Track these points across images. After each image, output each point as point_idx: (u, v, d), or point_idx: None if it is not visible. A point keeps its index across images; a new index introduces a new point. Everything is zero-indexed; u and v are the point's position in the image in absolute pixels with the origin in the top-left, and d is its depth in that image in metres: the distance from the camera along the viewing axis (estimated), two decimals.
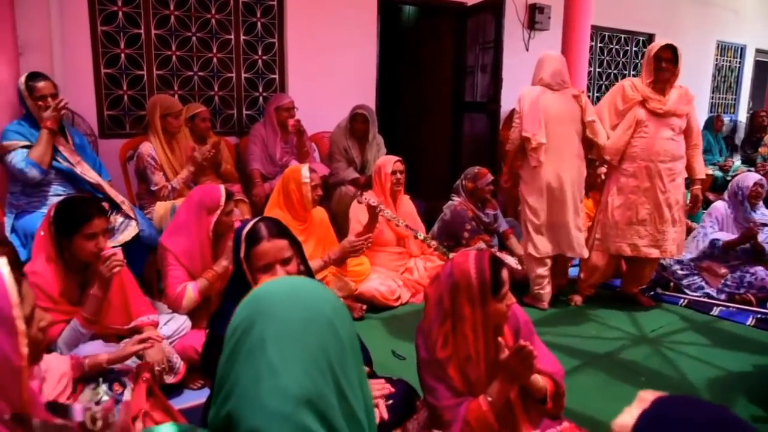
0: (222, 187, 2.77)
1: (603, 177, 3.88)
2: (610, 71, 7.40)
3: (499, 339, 1.66)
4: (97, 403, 1.05)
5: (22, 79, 3.11)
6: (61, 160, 3.14)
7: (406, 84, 6.99)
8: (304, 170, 3.35)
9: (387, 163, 3.81)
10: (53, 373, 1.76)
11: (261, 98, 4.96)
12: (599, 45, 7.16)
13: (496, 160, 5.45)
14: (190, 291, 2.67)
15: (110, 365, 2.07)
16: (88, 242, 2.20)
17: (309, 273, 1.87)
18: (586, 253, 3.66)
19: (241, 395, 0.79)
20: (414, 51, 6.75)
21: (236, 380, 0.80)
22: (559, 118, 3.51)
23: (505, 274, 1.71)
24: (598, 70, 7.25)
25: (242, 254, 1.74)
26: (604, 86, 7.32)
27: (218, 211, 2.68)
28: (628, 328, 3.41)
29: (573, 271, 4.00)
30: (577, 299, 3.80)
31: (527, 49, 6.17)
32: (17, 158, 3.00)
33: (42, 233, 2.26)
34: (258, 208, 3.94)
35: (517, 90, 5.34)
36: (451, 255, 3.70)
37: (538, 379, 1.73)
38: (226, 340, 0.85)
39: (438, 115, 6.41)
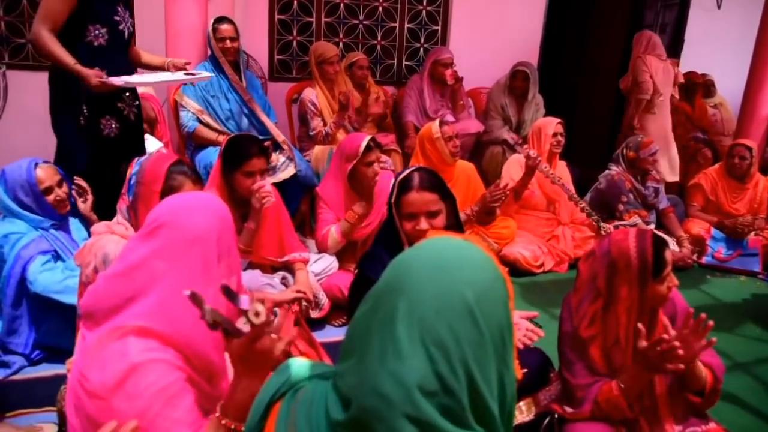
0: (366, 137, 2.80)
1: None
2: None
3: (639, 325, 1.54)
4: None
5: (211, 21, 3.39)
6: (236, 99, 3.41)
7: (572, 42, 6.56)
8: (434, 126, 3.32)
9: (548, 124, 3.67)
10: None
11: (422, 49, 4.96)
12: None
13: None
14: (333, 233, 2.82)
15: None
16: (246, 179, 2.36)
17: (460, 229, 1.87)
18: None
19: (364, 369, 0.76)
20: (585, 6, 6.29)
21: (364, 348, 0.77)
22: None
23: (668, 254, 1.60)
24: None
25: (393, 199, 1.80)
26: None
27: (355, 160, 2.75)
28: None
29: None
30: None
31: (719, 6, 5.49)
32: (185, 119, 3.41)
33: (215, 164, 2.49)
34: (410, 160, 4.00)
35: (700, 53, 4.80)
36: (603, 226, 3.51)
37: (701, 369, 1.60)
38: (367, 297, 0.82)
39: (604, 77, 5.96)
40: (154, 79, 2.71)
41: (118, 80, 2.41)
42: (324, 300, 2.63)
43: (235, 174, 2.37)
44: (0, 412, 1.94)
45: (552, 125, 3.65)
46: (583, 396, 1.64)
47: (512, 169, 3.61)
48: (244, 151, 2.37)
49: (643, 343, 1.51)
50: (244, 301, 1.05)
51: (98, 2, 2.41)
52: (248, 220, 2.40)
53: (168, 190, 1.79)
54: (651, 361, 1.51)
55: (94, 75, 2.36)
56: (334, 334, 2.65)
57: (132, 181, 1.84)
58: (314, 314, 2.58)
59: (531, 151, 3.34)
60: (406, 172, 1.83)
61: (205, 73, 2.81)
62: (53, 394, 1.91)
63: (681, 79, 4.76)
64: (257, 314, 1.03)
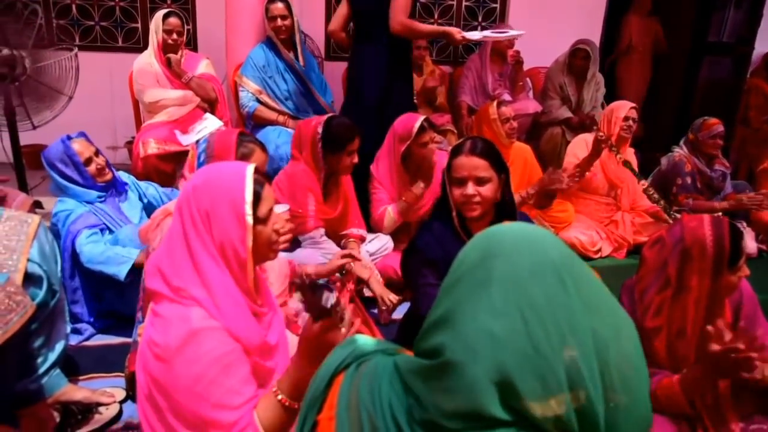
0: (420, 118, 2.80)
1: None
2: None
3: (708, 328, 1.43)
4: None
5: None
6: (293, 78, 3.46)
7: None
8: (492, 107, 3.30)
9: (621, 107, 3.53)
10: (278, 273, 2.01)
11: (479, 28, 4.86)
12: None
13: (739, 114, 4.77)
14: (390, 212, 2.85)
15: (317, 277, 2.27)
16: (348, 157, 2.58)
17: (512, 203, 1.86)
18: None
19: (454, 325, 0.78)
20: None
21: (454, 310, 0.79)
22: None
23: (744, 244, 1.52)
24: None
25: (444, 165, 1.84)
26: None
27: (409, 141, 2.76)
28: None
29: None
30: None
31: None
32: (245, 99, 3.49)
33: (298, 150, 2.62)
34: None
35: None
36: (671, 212, 3.37)
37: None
38: (451, 272, 0.83)
39: (671, 56, 5.70)
40: (492, 34, 3.15)
41: (478, 35, 2.99)
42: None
43: (340, 154, 2.56)
44: (74, 375, 2.06)
45: (625, 109, 3.51)
46: None
47: (578, 148, 3.49)
48: (349, 134, 2.56)
49: (715, 347, 1.39)
50: (327, 298, 1.15)
51: None
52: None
53: (240, 158, 1.90)
54: (722, 366, 1.40)
55: (457, 32, 2.92)
56: None
57: (201, 159, 1.91)
58: (368, 293, 2.61)
59: (601, 133, 3.23)
60: (462, 139, 1.85)
61: (515, 30, 3.13)
62: (122, 361, 2.02)
63: (661, 36, 5.38)
64: (338, 311, 1.17)
